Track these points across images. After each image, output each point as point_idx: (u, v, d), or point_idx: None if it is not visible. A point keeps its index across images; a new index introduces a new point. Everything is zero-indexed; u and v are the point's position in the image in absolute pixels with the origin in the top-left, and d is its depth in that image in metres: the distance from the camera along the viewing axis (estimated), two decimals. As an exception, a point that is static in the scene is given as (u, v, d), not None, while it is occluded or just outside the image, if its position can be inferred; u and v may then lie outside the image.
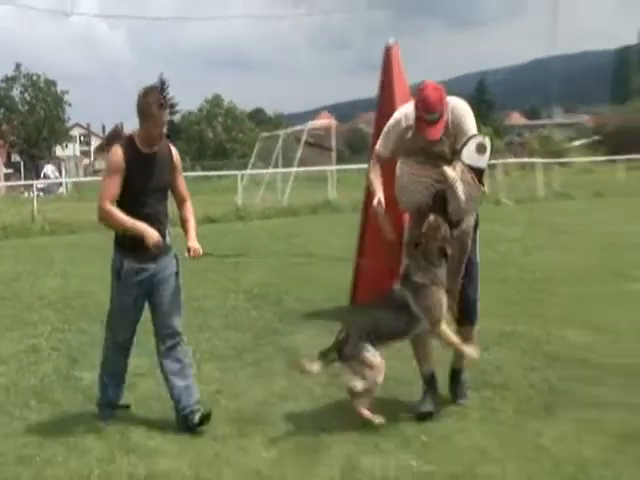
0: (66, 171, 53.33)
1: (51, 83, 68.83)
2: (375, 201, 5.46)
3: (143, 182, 5.14)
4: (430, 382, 5.57)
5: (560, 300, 8.90)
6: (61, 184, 42.74)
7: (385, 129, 5.62)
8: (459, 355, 5.65)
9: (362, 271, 9.03)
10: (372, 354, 5.08)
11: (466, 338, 5.52)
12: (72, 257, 15.41)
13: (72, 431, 5.35)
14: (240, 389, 6.06)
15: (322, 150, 40.46)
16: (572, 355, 6.70)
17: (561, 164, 34.80)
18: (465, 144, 5.16)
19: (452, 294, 5.47)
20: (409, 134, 5.38)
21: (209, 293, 10.46)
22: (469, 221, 5.49)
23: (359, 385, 5.02)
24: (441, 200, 5.19)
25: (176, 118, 76.89)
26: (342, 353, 5.12)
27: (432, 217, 5.14)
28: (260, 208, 23.99)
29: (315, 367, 5.17)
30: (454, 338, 5.33)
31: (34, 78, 68.22)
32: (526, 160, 38.42)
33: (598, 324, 7.77)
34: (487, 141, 5.17)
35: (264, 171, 30.01)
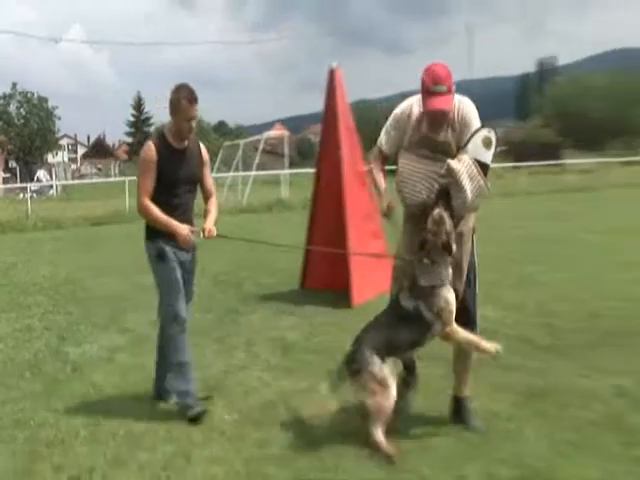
0: (56, 175, 52.38)
1: (43, 100, 67.67)
2: (384, 205, 4.49)
3: (174, 174, 4.77)
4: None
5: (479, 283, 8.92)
6: (52, 187, 41.93)
7: (387, 125, 4.56)
8: (461, 381, 4.62)
9: (310, 259, 9.03)
10: (380, 369, 4.15)
11: (466, 349, 4.49)
12: (60, 249, 15.13)
13: (62, 398, 5.26)
14: (206, 362, 5.97)
15: (276, 157, 40.36)
16: (488, 328, 6.74)
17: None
18: (471, 137, 4.19)
19: (457, 294, 4.39)
20: (412, 124, 4.39)
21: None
22: (469, 221, 4.45)
23: (369, 401, 4.15)
24: (445, 195, 4.17)
25: (151, 130, 76.32)
26: (351, 368, 4.23)
27: (436, 211, 4.13)
28: (224, 207, 23.90)
29: (331, 404, 4.55)
30: (469, 336, 4.28)
31: (29, 95, 67.16)
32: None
33: (508, 303, 7.87)
34: (493, 135, 4.22)
35: (227, 175, 29.84)
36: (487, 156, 4.19)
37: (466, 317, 4.43)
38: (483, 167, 4.15)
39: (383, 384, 4.13)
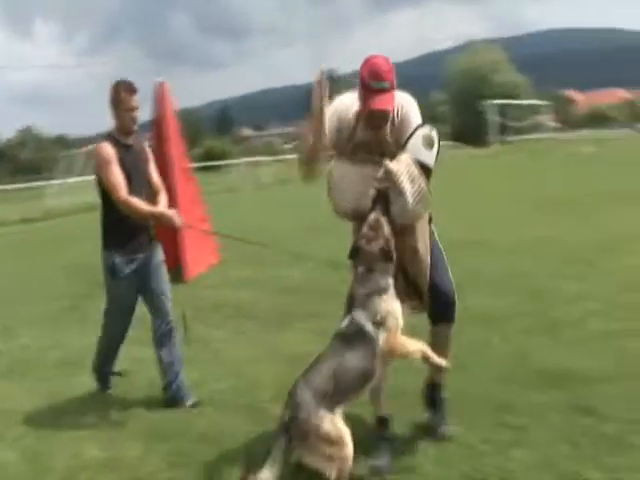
0: None
1: None
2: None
3: (130, 171, 4.03)
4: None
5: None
6: None
7: (328, 113, 3.24)
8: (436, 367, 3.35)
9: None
10: (330, 422, 2.75)
11: (441, 339, 3.38)
12: None
13: None
14: (69, 340, 5.68)
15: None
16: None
17: (279, 161, 35.50)
18: (411, 136, 3.18)
19: (422, 296, 3.34)
20: (350, 123, 3.29)
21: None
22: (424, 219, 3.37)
23: (329, 469, 2.72)
24: (383, 198, 3.13)
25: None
26: (291, 436, 2.71)
27: (372, 216, 3.10)
28: (66, 207, 22.74)
29: (265, 476, 2.65)
30: (417, 346, 3.06)
31: None
32: (253, 159, 38.86)
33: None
34: (435, 134, 3.21)
35: (68, 180, 28.11)
36: (429, 156, 3.19)
37: (438, 304, 3.35)
38: (425, 169, 3.16)
39: (339, 442, 2.75)
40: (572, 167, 20.48)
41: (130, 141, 4.13)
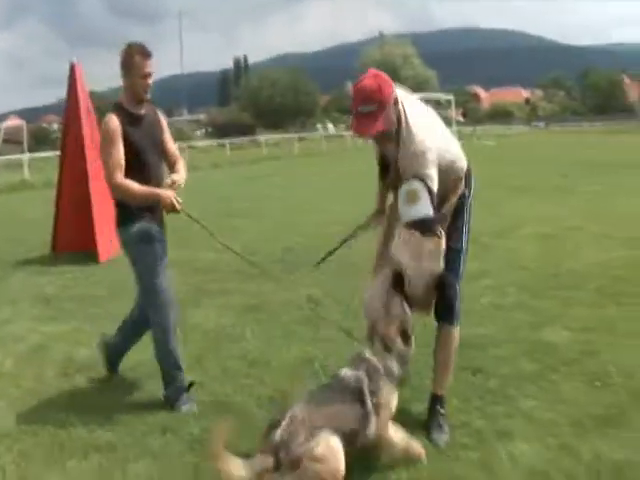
0: None
1: None
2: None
3: (140, 143, 3.69)
4: None
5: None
6: None
7: None
8: (440, 377, 3.29)
9: (59, 226, 8.60)
10: (324, 444, 2.46)
11: (440, 338, 3.25)
12: None
13: None
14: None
15: (15, 144, 36.89)
16: (215, 267, 7.12)
17: (190, 147, 35.13)
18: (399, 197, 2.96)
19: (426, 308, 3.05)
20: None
21: None
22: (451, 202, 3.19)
23: None
24: (397, 277, 2.84)
25: None
26: (280, 461, 2.40)
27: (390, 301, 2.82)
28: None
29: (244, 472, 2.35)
30: (401, 442, 2.81)
31: None
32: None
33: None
34: (416, 183, 2.84)
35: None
36: (416, 211, 2.85)
37: (443, 302, 3.16)
38: (424, 223, 2.85)
39: (327, 457, 2.47)
40: (476, 160, 21.52)
41: (142, 110, 3.76)
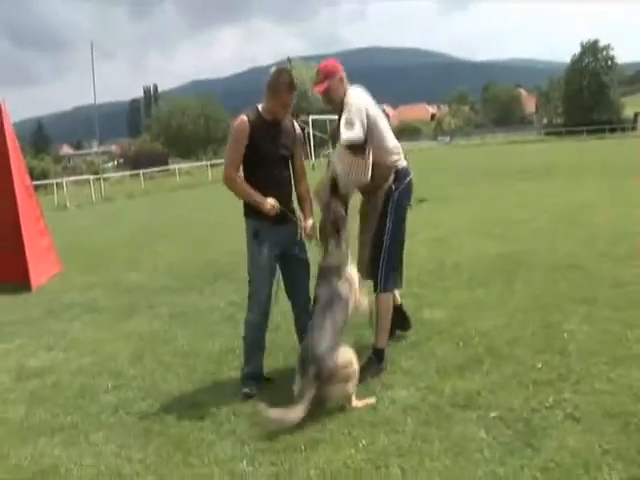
0: None
1: None
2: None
3: (267, 149, 4.04)
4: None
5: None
6: None
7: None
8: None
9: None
10: (342, 354, 3.69)
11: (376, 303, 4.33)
12: None
13: None
14: None
15: None
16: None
17: (103, 179, 35.01)
18: (338, 126, 4.05)
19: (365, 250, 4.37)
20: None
21: None
22: (379, 192, 4.27)
23: (350, 390, 3.71)
24: (332, 182, 3.97)
25: None
26: (322, 381, 3.58)
27: (326, 199, 3.98)
28: None
29: (297, 413, 3.47)
30: (365, 303, 4.08)
31: None
32: (80, 177, 37.96)
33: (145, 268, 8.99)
34: (353, 114, 3.92)
35: None
36: (351, 134, 3.92)
37: (374, 274, 4.33)
38: (357, 145, 3.97)
39: (351, 363, 3.72)
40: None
41: (278, 121, 4.13)
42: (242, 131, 4.00)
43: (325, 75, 4.18)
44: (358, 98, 4.12)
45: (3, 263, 8.65)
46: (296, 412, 3.47)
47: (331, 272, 3.86)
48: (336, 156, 4.12)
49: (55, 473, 3.36)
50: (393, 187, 4.30)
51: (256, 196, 4.02)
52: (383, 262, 4.30)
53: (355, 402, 3.76)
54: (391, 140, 4.30)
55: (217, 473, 3.19)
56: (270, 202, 4.00)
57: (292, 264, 4.27)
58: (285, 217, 4.11)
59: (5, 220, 8.52)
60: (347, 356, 3.69)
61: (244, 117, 4.02)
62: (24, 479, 3.34)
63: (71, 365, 5.07)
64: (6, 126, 8.61)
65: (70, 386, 4.63)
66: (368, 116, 4.05)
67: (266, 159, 4.07)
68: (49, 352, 5.49)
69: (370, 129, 4.06)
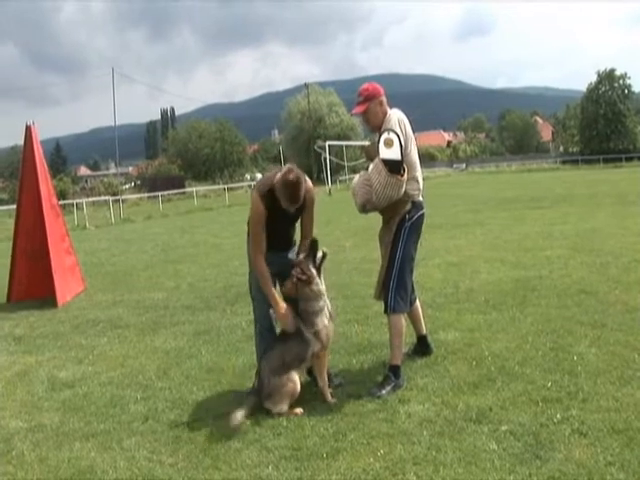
0: None
1: None
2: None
3: (277, 222, 4.38)
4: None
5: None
6: None
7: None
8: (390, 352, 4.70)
9: (15, 276, 9.25)
10: (286, 377, 4.26)
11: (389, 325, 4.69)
12: None
13: None
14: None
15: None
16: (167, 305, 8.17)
17: (122, 201, 35.61)
18: (378, 142, 4.39)
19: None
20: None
21: None
22: (395, 218, 4.59)
23: (284, 408, 4.22)
24: (311, 245, 4.38)
25: None
26: (261, 395, 4.28)
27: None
28: None
29: (239, 416, 4.08)
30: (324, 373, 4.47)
31: None
32: (99, 198, 38.68)
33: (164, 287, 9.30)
34: (392, 135, 4.29)
35: None
36: (391, 153, 4.30)
37: (384, 295, 4.67)
38: (393, 164, 4.30)
39: (290, 382, 4.24)
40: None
41: None
42: (260, 214, 4.32)
43: (366, 98, 4.54)
44: (398, 122, 4.44)
45: (32, 280, 9.01)
46: (236, 416, 4.04)
47: (301, 315, 4.34)
48: (373, 168, 4.46)
49: (92, 474, 3.61)
50: (407, 217, 4.61)
51: (273, 297, 4.36)
52: (393, 285, 4.60)
53: (284, 411, 4.22)
54: (419, 170, 4.65)
55: (245, 477, 3.43)
56: (283, 307, 4.36)
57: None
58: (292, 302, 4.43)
59: (34, 239, 8.90)
60: (284, 380, 4.23)
61: (258, 201, 4.31)
62: (64, 479, 3.60)
63: (101, 377, 5.34)
64: (35, 147, 9.00)
65: (101, 397, 4.90)
66: (406, 140, 4.40)
67: (273, 227, 4.37)
68: (79, 365, 5.77)
69: (406, 151, 4.40)
